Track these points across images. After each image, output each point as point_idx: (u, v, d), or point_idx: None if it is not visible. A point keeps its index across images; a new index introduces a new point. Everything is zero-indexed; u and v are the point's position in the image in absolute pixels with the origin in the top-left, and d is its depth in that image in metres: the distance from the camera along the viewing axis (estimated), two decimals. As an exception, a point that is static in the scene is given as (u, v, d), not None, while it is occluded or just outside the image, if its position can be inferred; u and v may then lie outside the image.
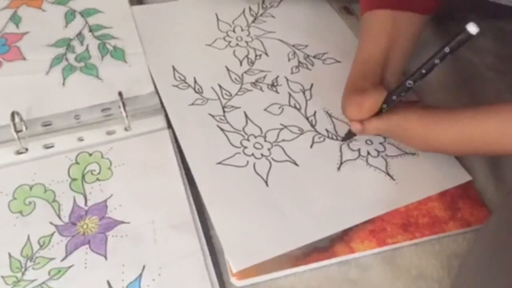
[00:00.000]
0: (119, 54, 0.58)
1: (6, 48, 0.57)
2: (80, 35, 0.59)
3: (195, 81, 0.57)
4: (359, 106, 0.46)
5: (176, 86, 0.56)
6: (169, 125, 0.53)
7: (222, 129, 0.52)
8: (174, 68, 0.58)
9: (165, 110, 0.54)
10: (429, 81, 0.58)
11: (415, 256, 0.45)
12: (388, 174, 0.50)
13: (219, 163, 0.49)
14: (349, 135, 0.52)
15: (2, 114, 0.49)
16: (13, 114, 0.48)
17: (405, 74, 0.49)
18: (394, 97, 0.45)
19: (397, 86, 0.45)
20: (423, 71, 0.43)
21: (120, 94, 0.51)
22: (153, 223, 0.45)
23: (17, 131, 0.48)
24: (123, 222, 0.45)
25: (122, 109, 0.50)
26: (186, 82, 0.56)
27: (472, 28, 0.38)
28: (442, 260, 0.45)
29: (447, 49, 0.40)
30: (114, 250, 0.43)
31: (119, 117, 0.52)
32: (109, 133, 0.51)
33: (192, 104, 0.54)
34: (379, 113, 0.46)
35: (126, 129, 0.52)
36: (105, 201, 0.46)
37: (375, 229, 0.46)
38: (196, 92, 0.56)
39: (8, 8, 0.61)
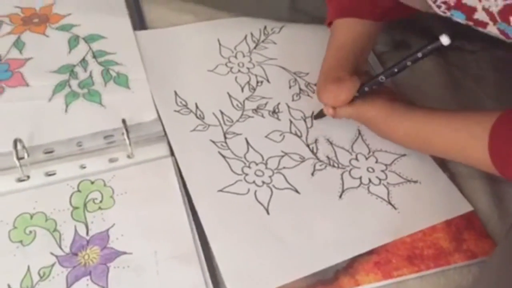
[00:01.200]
0: (122, 80, 0.58)
1: (9, 74, 0.57)
2: (83, 61, 0.59)
3: (197, 107, 0.57)
4: (336, 95, 0.49)
5: (178, 111, 0.56)
6: (172, 153, 0.52)
7: (223, 156, 0.52)
8: (176, 93, 0.58)
9: (167, 137, 0.54)
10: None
11: (421, 289, 0.45)
12: (390, 203, 0.50)
13: (220, 190, 0.49)
14: (321, 115, 0.55)
15: (4, 140, 0.49)
16: (15, 142, 0.48)
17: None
18: (366, 89, 0.49)
19: (370, 79, 0.49)
20: (395, 70, 0.47)
21: (123, 121, 0.51)
22: (155, 254, 0.44)
23: (18, 158, 0.48)
24: (125, 253, 0.44)
25: (125, 137, 0.50)
26: (187, 108, 0.56)
27: (445, 40, 0.41)
28: (447, 293, 0.45)
29: (419, 54, 0.44)
30: (116, 282, 0.42)
31: (121, 144, 0.52)
32: (111, 160, 0.51)
33: (194, 130, 0.54)
34: (351, 100, 0.50)
35: (128, 157, 0.51)
36: (107, 230, 0.46)
37: (380, 261, 0.46)
38: (198, 117, 0.56)
39: (12, 34, 0.61)
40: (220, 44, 0.64)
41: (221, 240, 0.46)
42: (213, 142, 0.53)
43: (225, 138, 0.54)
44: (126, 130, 0.50)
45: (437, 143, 0.47)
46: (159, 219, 0.47)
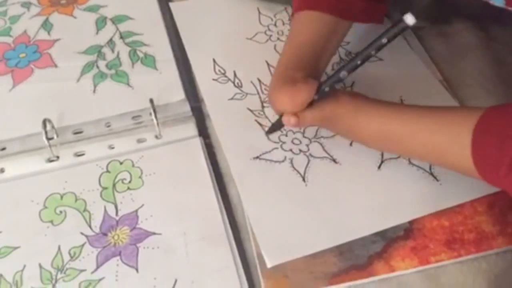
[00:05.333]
0: (149, 61, 0.57)
1: (37, 55, 0.57)
2: (111, 42, 0.59)
3: (235, 75, 0.56)
4: (292, 99, 0.43)
5: (216, 80, 0.56)
6: (200, 133, 0.51)
7: (260, 124, 0.52)
8: (214, 61, 0.57)
9: (195, 118, 0.53)
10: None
11: (461, 274, 0.43)
12: (432, 174, 0.48)
13: (257, 157, 0.49)
14: (276, 127, 0.49)
15: (33, 121, 0.49)
16: (44, 122, 0.48)
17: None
18: (326, 89, 0.43)
19: (329, 77, 0.43)
20: (358, 62, 0.41)
21: (151, 101, 0.50)
22: (184, 235, 0.44)
23: (48, 139, 0.47)
24: (154, 233, 0.44)
25: (153, 116, 0.49)
26: (226, 76, 0.56)
27: (410, 19, 0.36)
28: (490, 279, 0.42)
29: (384, 40, 0.39)
30: (146, 263, 0.42)
31: (149, 125, 0.51)
32: (139, 141, 0.51)
33: (232, 98, 0.54)
34: (309, 104, 0.44)
35: (156, 137, 0.51)
36: (136, 211, 0.45)
37: (416, 246, 0.44)
38: (236, 86, 0.55)
39: (40, 15, 0.61)
40: (259, 13, 0.63)
41: (257, 206, 0.45)
42: (251, 110, 0.53)
43: (263, 106, 0.53)
44: (154, 110, 0.49)
45: (411, 144, 0.42)
46: (188, 199, 0.46)
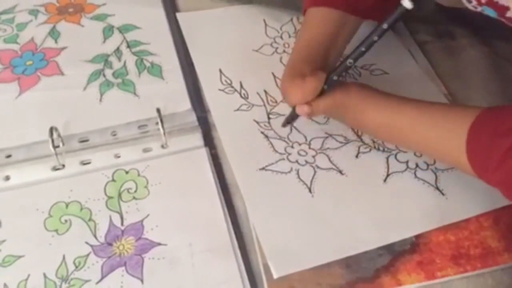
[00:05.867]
0: (156, 71, 0.57)
1: (44, 63, 0.57)
2: (117, 51, 0.59)
3: (241, 86, 0.56)
4: (301, 90, 0.45)
5: (222, 90, 0.56)
6: (206, 143, 0.51)
7: (266, 136, 0.52)
8: (221, 72, 0.57)
9: (201, 128, 0.53)
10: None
11: (467, 290, 0.43)
12: (438, 189, 0.48)
13: (262, 168, 0.49)
14: (290, 119, 0.50)
15: (39, 129, 0.49)
16: (51, 130, 0.48)
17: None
18: (335, 77, 0.45)
19: (337, 65, 0.45)
20: (363, 49, 0.43)
21: (158, 110, 0.50)
22: (190, 246, 0.43)
23: (54, 147, 0.47)
24: (160, 244, 0.43)
25: (160, 126, 0.49)
26: (232, 87, 0.56)
27: (407, 3, 0.38)
28: (496, 295, 0.42)
29: (385, 25, 0.41)
30: (151, 274, 0.42)
31: (155, 134, 0.51)
32: (145, 150, 0.50)
33: (238, 109, 0.54)
34: (321, 93, 0.46)
35: (162, 147, 0.51)
36: (142, 221, 0.45)
37: (423, 260, 0.44)
38: (242, 97, 0.55)
39: (47, 23, 0.62)
40: (266, 24, 0.64)
41: (263, 216, 0.45)
42: (257, 122, 0.53)
43: (269, 118, 0.53)
44: (161, 119, 0.49)
45: (412, 137, 0.44)
46: (194, 210, 0.46)
